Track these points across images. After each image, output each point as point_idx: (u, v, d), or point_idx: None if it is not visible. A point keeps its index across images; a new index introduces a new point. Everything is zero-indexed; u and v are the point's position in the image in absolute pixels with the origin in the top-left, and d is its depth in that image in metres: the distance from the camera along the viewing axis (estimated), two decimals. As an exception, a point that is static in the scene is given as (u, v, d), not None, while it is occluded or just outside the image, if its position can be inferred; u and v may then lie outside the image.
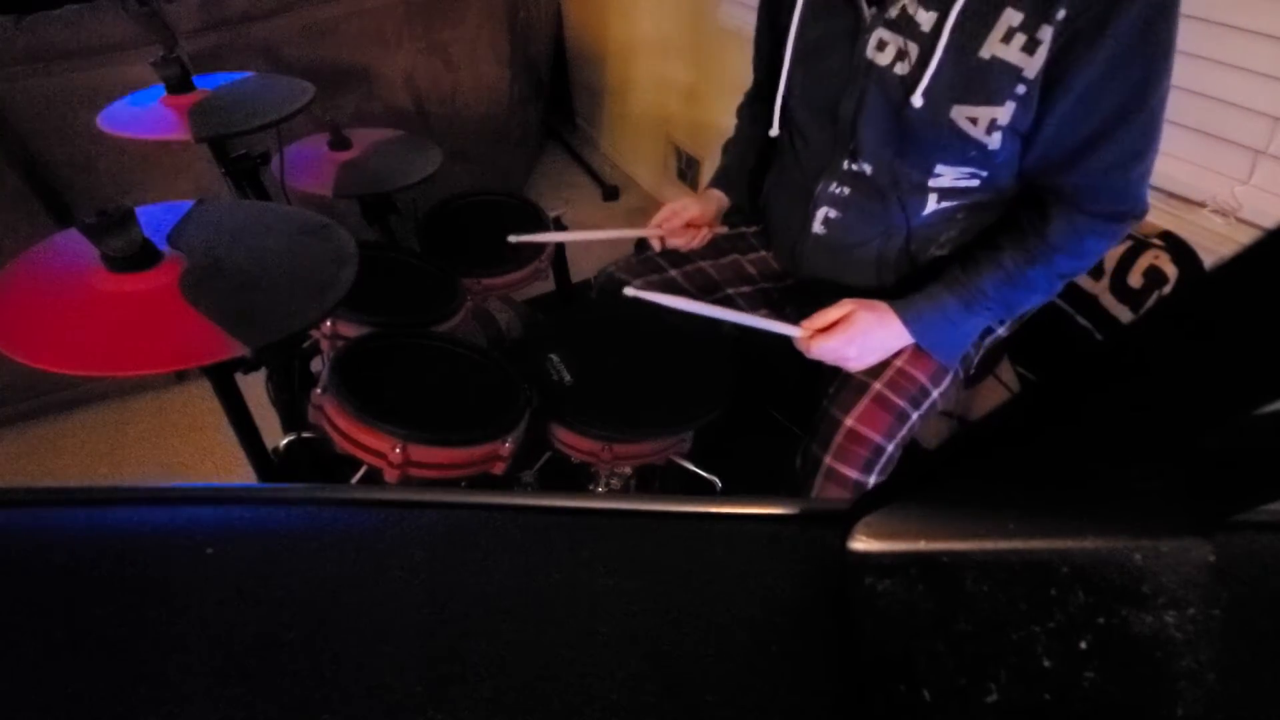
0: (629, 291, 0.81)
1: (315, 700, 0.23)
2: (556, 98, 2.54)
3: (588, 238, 1.15)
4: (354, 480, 0.83)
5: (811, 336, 0.81)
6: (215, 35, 1.35)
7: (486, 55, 1.81)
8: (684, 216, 0.99)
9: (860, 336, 0.81)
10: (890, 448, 0.83)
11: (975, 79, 0.72)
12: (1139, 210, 0.75)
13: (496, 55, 1.83)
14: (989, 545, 0.24)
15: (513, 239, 1.07)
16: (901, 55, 0.75)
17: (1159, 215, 1.01)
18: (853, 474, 0.82)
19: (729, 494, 0.75)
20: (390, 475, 0.73)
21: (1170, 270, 0.99)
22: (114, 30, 1.25)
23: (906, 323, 0.82)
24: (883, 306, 0.83)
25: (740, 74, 1.11)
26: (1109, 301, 1.06)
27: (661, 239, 1.02)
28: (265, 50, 1.43)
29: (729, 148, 1.09)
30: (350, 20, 1.51)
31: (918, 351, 0.86)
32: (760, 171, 1.08)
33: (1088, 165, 0.73)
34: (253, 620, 0.24)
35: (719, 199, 1.03)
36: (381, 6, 1.54)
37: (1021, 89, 0.70)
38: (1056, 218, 0.76)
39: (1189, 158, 0.99)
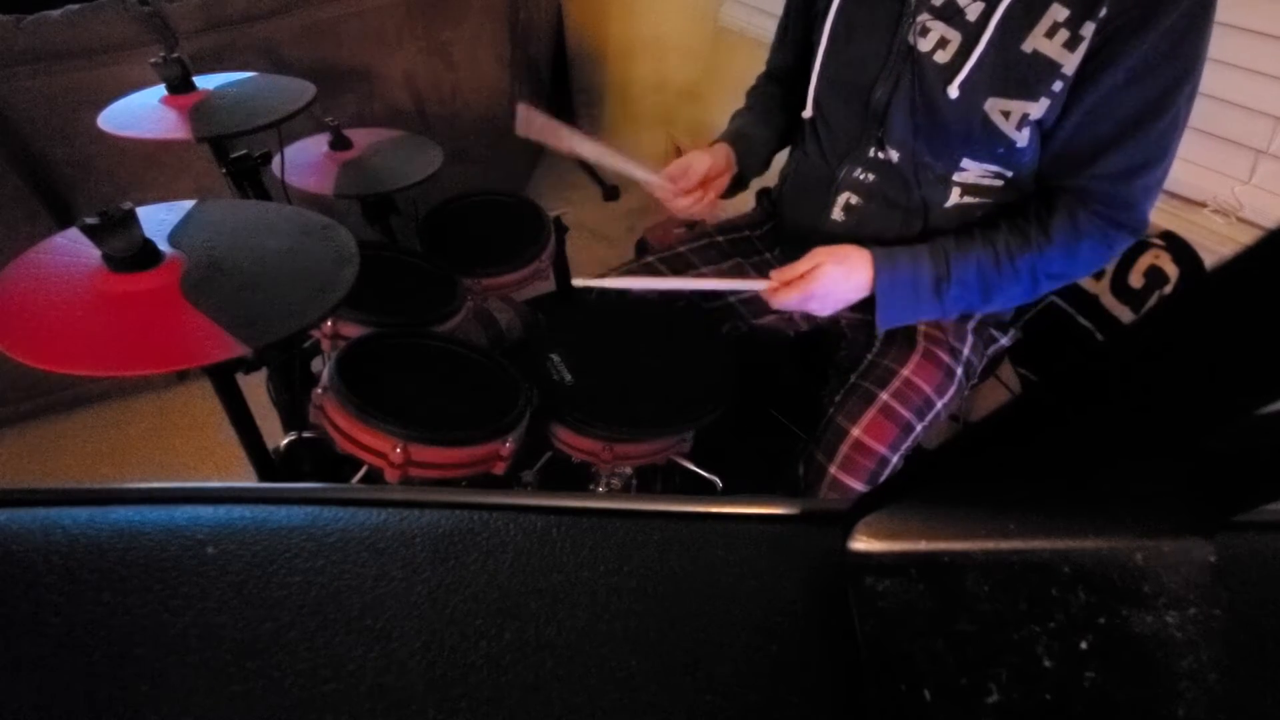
0: (578, 283, 0.78)
1: (315, 700, 0.23)
2: (557, 98, 2.54)
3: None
4: (354, 480, 0.83)
5: (777, 289, 0.81)
6: (216, 35, 1.36)
7: (487, 55, 1.81)
8: (698, 171, 0.91)
9: (823, 291, 0.80)
10: (894, 459, 0.83)
11: (1015, 72, 0.71)
12: (1136, 222, 0.75)
13: (497, 55, 1.83)
14: (989, 545, 0.24)
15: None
16: (943, 43, 0.75)
17: (1160, 215, 1.01)
18: (857, 485, 0.82)
19: (729, 494, 0.75)
20: (391, 475, 0.73)
21: (1171, 270, 0.99)
22: (115, 30, 1.25)
23: (877, 276, 0.80)
24: (854, 258, 0.80)
25: (742, 74, 1.11)
26: (1110, 302, 1.06)
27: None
28: (266, 50, 1.43)
29: (738, 116, 1.04)
30: (351, 20, 1.51)
31: (924, 362, 0.86)
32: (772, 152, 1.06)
33: (1095, 170, 0.73)
34: (253, 620, 0.24)
35: (728, 153, 0.95)
36: (382, 6, 1.54)
37: (1058, 85, 0.70)
38: (1059, 211, 0.76)
39: (1190, 158, 0.99)
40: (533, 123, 0.84)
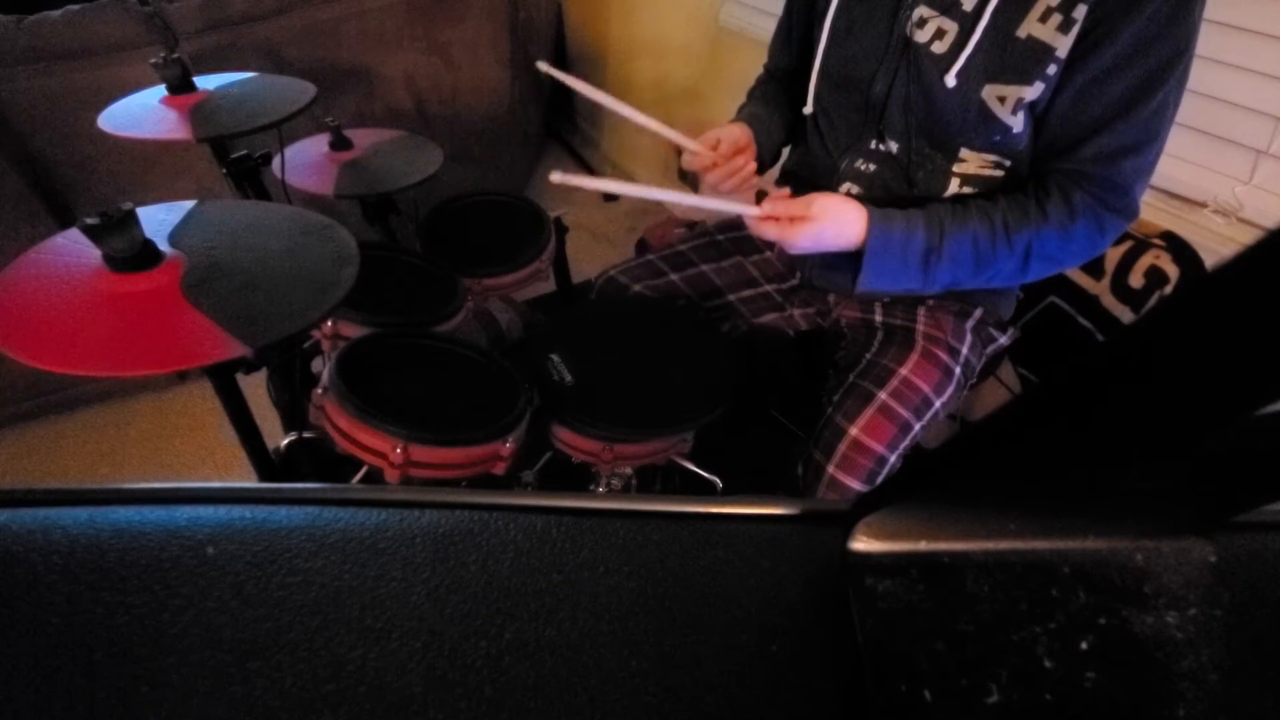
0: (555, 177, 0.74)
1: (315, 700, 0.23)
2: (557, 98, 2.54)
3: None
4: (355, 480, 0.83)
5: (764, 220, 0.80)
6: (216, 35, 1.36)
7: (487, 55, 1.81)
8: (729, 140, 0.90)
9: (809, 243, 0.79)
10: (892, 458, 0.83)
11: (1010, 58, 0.72)
12: (1128, 207, 0.76)
13: (497, 55, 1.83)
14: (990, 545, 0.24)
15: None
16: (940, 34, 0.76)
17: (1160, 215, 1.01)
18: (855, 484, 0.82)
19: (729, 494, 0.75)
20: (391, 475, 0.73)
21: (1171, 270, 0.99)
22: (115, 30, 1.25)
23: (869, 237, 0.79)
24: (850, 218, 0.79)
25: (742, 74, 1.11)
26: (1110, 302, 1.06)
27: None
28: (266, 50, 1.43)
29: (745, 106, 1.04)
30: (351, 20, 1.51)
31: (922, 361, 0.86)
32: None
33: (1086, 151, 0.73)
34: (253, 620, 0.24)
35: (748, 130, 0.94)
36: (382, 7, 1.54)
37: (1052, 68, 0.71)
38: (1054, 192, 0.77)
39: (1190, 158, 0.99)
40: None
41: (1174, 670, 0.21)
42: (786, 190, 0.83)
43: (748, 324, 1.05)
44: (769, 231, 0.80)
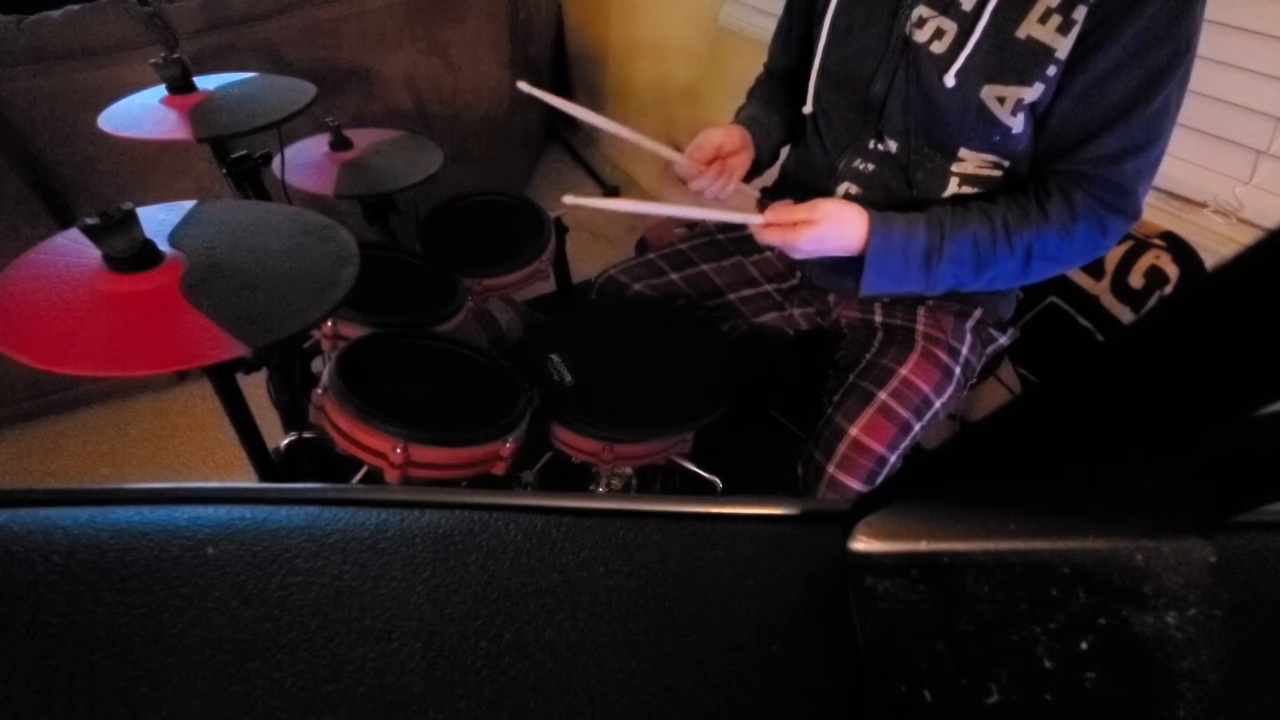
0: (567, 200, 0.76)
1: (315, 700, 0.23)
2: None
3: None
4: (355, 480, 0.83)
5: (767, 226, 0.80)
6: (216, 35, 1.36)
7: (487, 56, 1.81)
8: (713, 143, 0.91)
9: (810, 247, 0.80)
10: (893, 458, 0.83)
11: (1009, 58, 0.72)
12: (1130, 208, 0.75)
13: (497, 55, 1.83)
14: (990, 546, 0.24)
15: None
16: (939, 34, 0.76)
17: (1160, 215, 1.01)
18: (855, 484, 0.82)
19: (729, 494, 0.75)
20: (391, 475, 0.73)
21: (1171, 270, 0.99)
22: (115, 31, 1.25)
23: (871, 239, 0.79)
24: (852, 220, 0.79)
25: (742, 74, 1.11)
26: (1110, 302, 1.06)
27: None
28: (266, 51, 1.43)
29: (745, 107, 1.04)
30: (351, 21, 1.51)
31: (922, 361, 0.86)
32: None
33: (1088, 153, 0.73)
34: (253, 620, 0.24)
35: (744, 133, 0.95)
36: (382, 7, 1.54)
37: (1052, 70, 0.71)
38: (1055, 193, 0.77)
39: (1190, 158, 1.00)
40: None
41: (1174, 670, 0.21)
42: (789, 201, 0.83)
43: (748, 323, 1.05)
44: (772, 238, 0.80)
